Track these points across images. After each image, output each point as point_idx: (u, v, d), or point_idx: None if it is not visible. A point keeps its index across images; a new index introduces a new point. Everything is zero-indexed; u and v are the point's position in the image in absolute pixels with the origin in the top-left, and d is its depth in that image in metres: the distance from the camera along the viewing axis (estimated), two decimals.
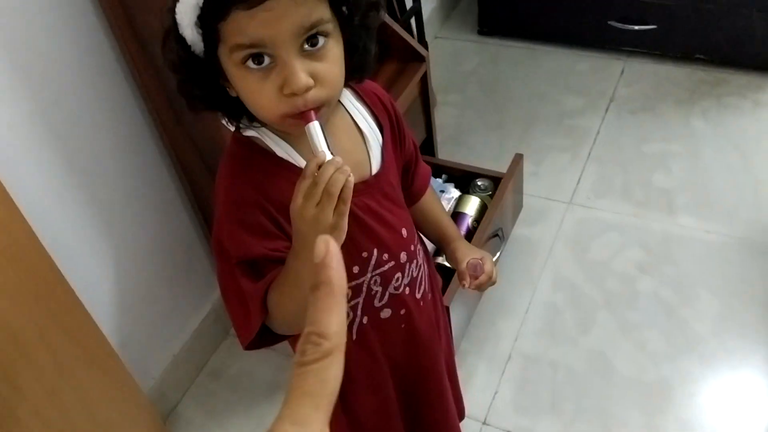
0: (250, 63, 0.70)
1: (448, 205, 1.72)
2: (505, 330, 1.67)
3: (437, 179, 1.80)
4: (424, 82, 1.71)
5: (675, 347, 1.58)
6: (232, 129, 0.81)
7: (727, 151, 2.01)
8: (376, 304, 0.90)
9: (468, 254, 1.02)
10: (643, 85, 2.26)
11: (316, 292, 0.36)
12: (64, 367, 1.15)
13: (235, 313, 0.80)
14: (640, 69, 2.32)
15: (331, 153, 0.68)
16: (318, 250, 0.36)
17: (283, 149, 0.79)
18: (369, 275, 0.86)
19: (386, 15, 1.57)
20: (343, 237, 0.68)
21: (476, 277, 1.01)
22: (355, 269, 0.84)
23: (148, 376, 1.54)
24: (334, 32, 0.72)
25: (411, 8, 1.88)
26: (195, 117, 0.84)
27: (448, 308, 1.41)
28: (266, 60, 0.69)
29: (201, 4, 0.68)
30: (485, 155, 2.06)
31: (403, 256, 0.89)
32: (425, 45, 1.86)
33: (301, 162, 0.79)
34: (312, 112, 0.70)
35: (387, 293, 0.90)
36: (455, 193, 1.76)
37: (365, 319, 0.90)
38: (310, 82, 0.70)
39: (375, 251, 0.85)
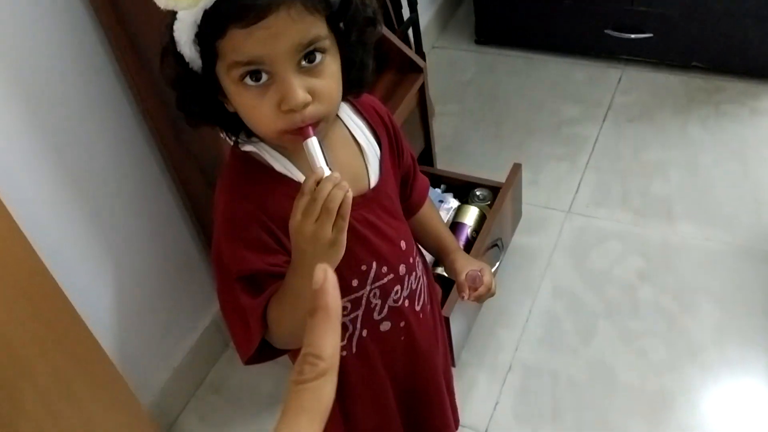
0: (247, 80, 0.70)
1: (447, 215, 1.72)
2: (506, 340, 1.67)
3: (436, 189, 1.80)
4: (422, 92, 1.72)
5: (676, 356, 1.58)
6: (231, 143, 0.81)
7: (725, 158, 2.01)
8: (376, 316, 0.90)
9: (467, 266, 1.02)
10: (641, 94, 2.27)
11: (314, 316, 0.39)
12: (64, 382, 1.14)
13: (235, 329, 0.80)
14: (637, 77, 2.33)
15: (330, 168, 0.68)
16: (316, 277, 0.39)
17: (281, 164, 0.79)
18: (368, 288, 0.86)
19: (383, 26, 1.57)
20: (342, 252, 0.69)
21: (475, 289, 1.01)
22: (354, 282, 0.84)
23: (148, 389, 1.53)
24: (331, 48, 0.73)
25: (408, 19, 1.88)
26: (193, 130, 0.84)
27: (447, 319, 1.41)
28: (264, 77, 0.70)
29: (199, 22, 0.68)
30: (484, 164, 2.06)
31: (402, 269, 0.89)
32: (423, 56, 1.87)
33: (299, 176, 0.79)
34: (310, 128, 0.70)
35: (386, 306, 0.90)
36: (454, 203, 1.76)
37: (365, 332, 0.90)
38: (308, 98, 0.70)
39: (374, 264, 0.85)
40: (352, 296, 0.85)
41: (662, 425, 1.47)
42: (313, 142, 0.70)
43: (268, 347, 0.81)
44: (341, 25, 0.74)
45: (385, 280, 0.87)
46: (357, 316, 0.88)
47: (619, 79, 2.33)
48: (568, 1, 2.29)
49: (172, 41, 0.71)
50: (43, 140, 1.20)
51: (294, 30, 0.68)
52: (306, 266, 0.70)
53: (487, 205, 1.73)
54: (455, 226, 1.68)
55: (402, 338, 0.95)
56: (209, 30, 0.68)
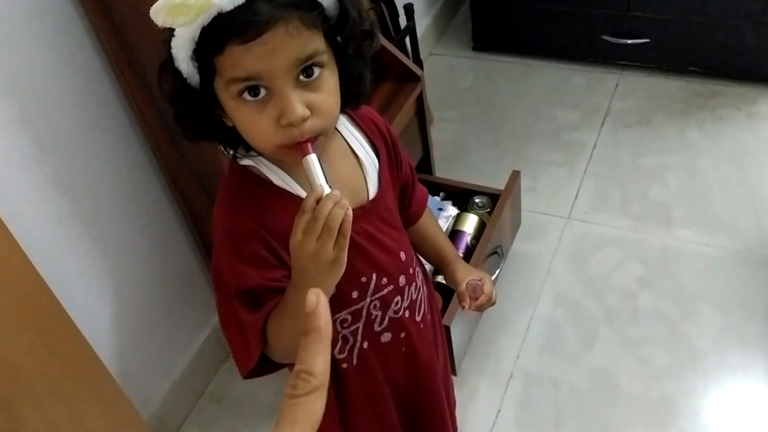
0: (246, 95, 0.70)
1: (446, 224, 1.72)
2: (507, 348, 1.66)
3: (435, 197, 1.80)
4: (420, 101, 1.72)
5: (677, 362, 1.58)
6: (229, 157, 0.81)
7: (723, 163, 2.01)
8: (376, 328, 0.90)
9: (467, 275, 1.02)
10: (638, 99, 2.27)
11: (307, 337, 0.43)
12: (64, 396, 1.14)
13: (235, 343, 0.80)
14: (635, 82, 2.33)
15: (329, 185, 0.68)
16: (309, 301, 0.43)
17: (280, 178, 0.79)
18: (368, 300, 0.86)
19: (380, 35, 1.57)
20: (343, 269, 0.69)
21: (476, 298, 1.01)
22: (354, 294, 0.84)
23: (148, 402, 1.53)
24: (329, 62, 0.73)
25: (405, 27, 1.88)
26: (192, 144, 0.84)
27: (448, 327, 1.41)
28: (262, 92, 0.70)
29: (197, 39, 0.68)
30: (482, 172, 2.06)
31: (402, 280, 0.89)
32: (420, 64, 1.87)
33: (298, 190, 0.79)
34: (309, 145, 0.70)
35: (387, 317, 0.90)
36: (453, 211, 1.76)
37: (366, 344, 0.90)
38: (307, 112, 0.70)
39: (374, 276, 0.85)
40: (353, 308, 0.85)
41: None
42: (312, 159, 0.69)
43: (267, 361, 0.81)
44: (339, 39, 0.74)
45: (385, 291, 0.87)
46: (358, 328, 0.88)
47: (617, 85, 2.33)
48: (565, 7, 2.30)
49: (169, 57, 0.71)
50: (41, 155, 1.19)
51: (292, 45, 0.68)
52: (307, 284, 0.70)
53: (487, 212, 1.73)
54: (455, 233, 1.68)
55: (403, 349, 0.95)
56: (207, 47, 0.68)
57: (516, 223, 1.84)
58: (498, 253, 1.68)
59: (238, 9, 0.65)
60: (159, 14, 0.66)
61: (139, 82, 1.26)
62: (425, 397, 1.04)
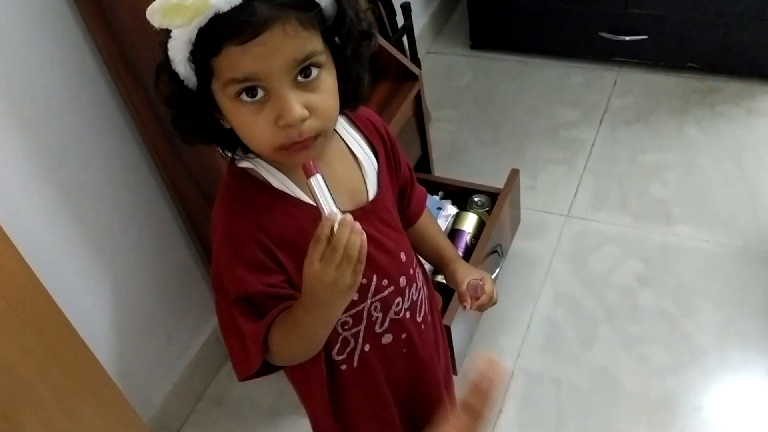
0: (243, 96, 0.69)
1: (445, 223, 1.72)
2: (507, 347, 1.66)
3: (434, 196, 1.79)
4: (418, 100, 1.71)
5: (678, 360, 1.57)
6: (227, 159, 0.81)
7: (722, 159, 2.01)
8: (377, 330, 0.89)
9: (468, 275, 1.02)
10: (637, 96, 2.27)
11: (470, 419, 0.37)
12: (63, 399, 1.13)
13: (233, 348, 0.80)
14: (633, 79, 2.33)
15: (338, 208, 0.66)
16: (491, 374, 0.37)
17: (278, 180, 0.79)
18: (369, 301, 0.85)
19: (378, 36, 1.57)
20: (355, 291, 0.69)
21: (477, 298, 1.01)
22: (355, 296, 0.83)
23: (148, 404, 1.52)
24: (327, 63, 0.72)
25: (403, 26, 1.88)
26: (189, 147, 0.83)
27: (448, 327, 1.40)
28: (260, 93, 0.69)
29: (193, 40, 0.67)
30: (481, 170, 2.06)
31: (403, 281, 0.88)
32: (418, 63, 1.86)
33: (297, 193, 0.79)
34: (313, 165, 0.67)
35: (388, 318, 0.89)
36: (452, 210, 1.75)
37: (367, 346, 0.89)
38: (305, 113, 0.70)
39: (374, 277, 0.84)
40: (353, 310, 0.85)
41: (666, 430, 1.47)
42: (318, 180, 0.67)
43: (265, 363, 0.80)
44: (336, 39, 0.74)
45: (386, 292, 0.86)
46: (359, 331, 0.87)
47: (615, 82, 2.33)
48: (562, 4, 2.29)
49: (166, 59, 0.70)
50: (38, 158, 1.19)
51: (289, 46, 0.67)
52: (322, 309, 0.70)
53: (486, 211, 1.73)
54: (454, 233, 1.68)
55: (404, 350, 0.94)
56: (204, 48, 0.67)
57: (515, 221, 1.84)
58: (498, 252, 1.68)
59: (235, 10, 0.65)
60: (155, 15, 0.65)
61: (136, 84, 1.25)
62: (427, 398, 1.04)
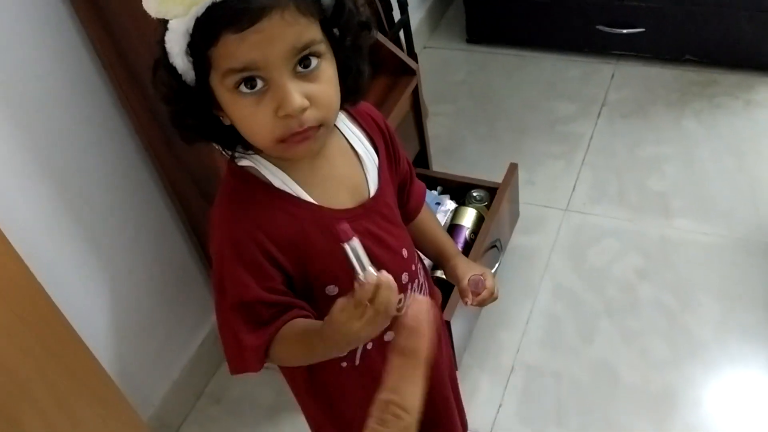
0: (242, 87, 0.69)
1: (444, 218, 1.71)
2: (507, 342, 1.66)
3: (432, 192, 1.79)
4: (416, 95, 1.71)
5: (678, 353, 1.57)
6: (227, 158, 0.80)
7: (720, 151, 2.01)
8: None
9: (468, 271, 1.01)
10: (634, 89, 2.26)
11: (404, 359, 0.35)
12: (63, 399, 1.13)
13: (229, 347, 0.80)
14: (631, 72, 2.32)
15: (374, 268, 0.64)
16: (416, 312, 0.35)
17: (279, 178, 0.78)
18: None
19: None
20: None
21: (478, 294, 1.00)
22: None
23: (147, 403, 1.52)
24: (326, 54, 0.72)
25: (399, 21, 1.87)
26: (187, 144, 0.82)
27: (448, 323, 1.40)
28: (259, 84, 0.68)
29: (191, 31, 0.66)
30: (479, 165, 2.05)
31: (405, 277, 0.88)
32: (415, 57, 1.85)
33: (297, 191, 0.78)
34: (349, 228, 0.63)
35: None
36: (451, 205, 1.75)
37: (369, 345, 0.89)
38: (305, 102, 0.69)
39: None
40: None
41: (667, 423, 1.46)
42: (354, 245, 0.64)
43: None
44: (335, 30, 0.73)
45: None
46: None
47: (613, 75, 2.32)
48: None
49: (164, 54, 0.70)
50: (35, 158, 1.18)
51: (288, 33, 0.66)
52: (342, 345, 0.70)
53: (485, 206, 1.72)
54: (453, 228, 1.67)
55: None
56: (202, 37, 0.66)
57: (514, 216, 1.83)
58: (497, 247, 1.68)
59: None
60: (152, 5, 0.65)
61: (132, 83, 1.24)
62: (430, 394, 1.03)
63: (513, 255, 1.82)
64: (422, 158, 1.87)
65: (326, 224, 0.79)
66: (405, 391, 0.35)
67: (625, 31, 2.26)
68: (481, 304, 1.03)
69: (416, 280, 0.91)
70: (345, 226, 0.63)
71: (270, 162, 0.78)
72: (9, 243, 1.01)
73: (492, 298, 1.03)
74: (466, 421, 1.24)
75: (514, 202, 1.80)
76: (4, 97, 1.11)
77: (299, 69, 0.69)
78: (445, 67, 2.49)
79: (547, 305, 1.72)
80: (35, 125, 1.17)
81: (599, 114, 2.20)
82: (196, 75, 0.70)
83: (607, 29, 2.27)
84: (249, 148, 0.77)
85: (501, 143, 2.16)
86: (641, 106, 2.19)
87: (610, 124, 2.16)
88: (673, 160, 2.01)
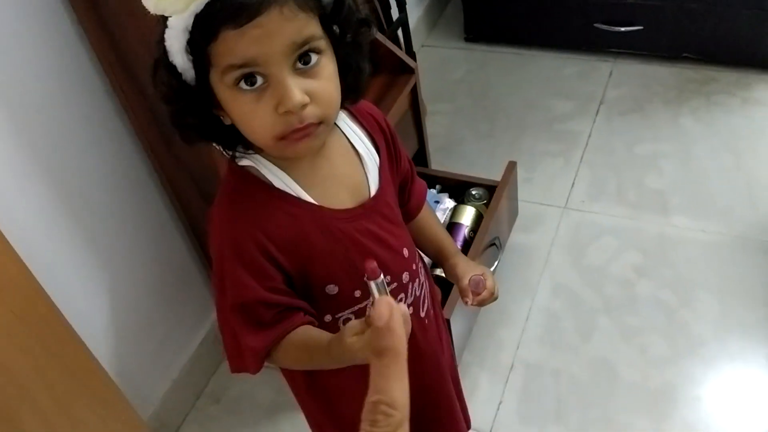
0: (242, 84, 0.68)
1: (443, 216, 1.71)
2: (506, 339, 1.66)
3: (431, 190, 1.79)
4: (414, 93, 1.71)
5: (677, 350, 1.58)
6: (228, 158, 0.80)
7: (718, 149, 2.01)
8: None
9: (468, 270, 1.01)
10: (632, 87, 2.26)
11: (383, 358, 0.36)
12: (63, 399, 1.13)
13: (229, 346, 0.80)
14: (628, 70, 2.32)
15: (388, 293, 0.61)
16: (380, 312, 0.36)
17: (279, 178, 0.78)
18: (371, 299, 0.85)
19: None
20: None
21: (478, 294, 1.00)
22: (357, 293, 0.83)
23: (147, 402, 1.52)
24: (326, 50, 0.71)
25: (398, 19, 1.87)
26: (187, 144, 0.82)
27: (448, 321, 1.40)
28: (259, 80, 0.68)
29: (190, 28, 0.66)
30: (478, 163, 2.05)
31: (405, 277, 0.88)
32: (413, 56, 1.85)
33: (298, 191, 0.78)
34: (376, 267, 0.61)
35: None
36: (450, 203, 1.75)
37: None
38: (305, 98, 0.69)
39: None
40: (356, 308, 0.84)
41: (666, 420, 1.47)
42: (379, 283, 0.61)
43: None
44: (335, 27, 0.73)
45: (388, 289, 0.86)
46: None
47: (610, 73, 2.32)
48: None
49: (163, 53, 0.70)
50: (34, 159, 1.18)
51: (287, 28, 0.66)
52: (344, 365, 0.70)
53: (483, 204, 1.72)
54: (452, 226, 1.67)
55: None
56: (201, 34, 0.66)
57: (513, 214, 1.83)
58: (496, 245, 1.68)
59: None
60: (150, 1, 0.64)
61: (130, 80, 1.24)
62: (433, 393, 1.03)
63: (512, 253, 1.82)
64: (421, 157, 1.87)
65: (326, 224, 0.79)
66: (390, 389, 0.36)
67: (623, 29, 2.26)
68: (481, 304, 1.02)
69: (417, 280, 0.91)
70: (372, 265, 0.62)
71: (270, 162, 0.78)
72: (8, 243, 1.00)
73: (492, 298, 1.02)
74: (469, 418, 1.24)
75: (513, 200, 1.80)
76: (2, 98, 1.11)
77: (299, 65, 0.69)
78: (444, 65, 2.49)
79: (546, 303, 1.72)
80: (34, 125, 1.17)
81: (597, 112, 2.20)
82: (195, 73, 0.70)
83: (605, 27, 2.28)
84: (249, 147, 0.77)
85: (499, 141, 2.16)
86: (639, 104, 2.20)
87: (608, 121, 2.16)
88: (671, 157, 2.01)
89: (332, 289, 0.82)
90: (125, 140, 1.35)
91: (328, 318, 0.84)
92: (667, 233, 1.82)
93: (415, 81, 1.68)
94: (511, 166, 1.74)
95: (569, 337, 1.64)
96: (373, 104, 0.92)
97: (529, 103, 2.27)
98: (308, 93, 0.69)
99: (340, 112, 0.82)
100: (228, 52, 0.66)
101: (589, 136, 2.12)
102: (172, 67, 0.70)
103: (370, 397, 0.35)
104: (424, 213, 1.03)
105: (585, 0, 2.26)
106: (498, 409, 1.54)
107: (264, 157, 0.78)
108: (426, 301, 0.95)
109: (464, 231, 1.66)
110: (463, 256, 1.06)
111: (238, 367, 0.80)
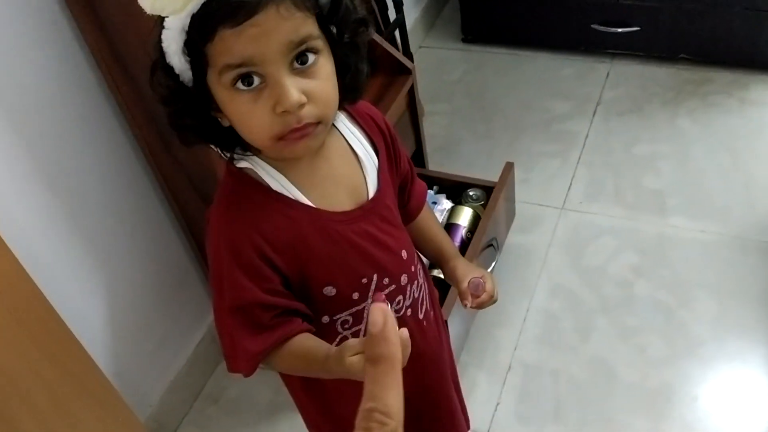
0: (239, 84, 0.68)
1: (440, 217, 1.71)
2: (504, 340, 1.66)
3: (429, 191, 1.79)
4: (412, 94, 1.71)
5: (675, 350, 1.58)
6: (226, 159, 0.80)
7: (715, 149, 2.01)
8: None
9: (468, 273, 1.00)
10: (629, 87, 2.27)
11: (377, 366, 0.36)
12: (60, 401, 1.12)
13: (226, 347, 0.80)
14: (625, 71, 2.33)
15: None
16: (375, 319, 0.36)
17: (277, 181, 0.78)
18: (370, 301, 0.85)
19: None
20: None
21: (477, 296, 1.00)
22: (355, 296, 0.83)
23: (145, 403, 1.51)
24: (324, 50, 0.71)
25: (395, 20, 1.87)
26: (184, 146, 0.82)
27: (445, 322, 1.40)
28: (256, 80, 0.68)
29: (187, 28, 0.66)
30: (475, 164, 2.05)
31: (404, 279, 0.88)
32: (410, 57, 1.86)
33: (295, 194, 0.78)
34: (385, 299, 0.61)
35: None
36: (447, 204, 1.75)
37: None
38: (303, 98, 0.69)
39: (375, 276, 0.83)
40: (353, 309, 0.84)
41: (664, 420, 1.47)
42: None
43: None
44: (332, 27, 0.73)
45: (387, 291, 0.85)
46: (359, 330, 0.86)
47: (608, 74, 2.33)
48: None
49: (161, 55, 0.69)
50: (31, 159, 1.18)
51: (284, 27, 0.66)
52: (340, 378, 0.70)
53: (481, 205, 1.72)
54: (449, 227, 1.67)
55: None
56: (198, 34, 0.66)
57: (510, 215, 1.83)
58: (493, 246, 1.68)
59: None
60: (146, 1, 0.64)
61: (127, 80, 1.24)
62: (433, 394, 1.03)
63: (509, 254, 1.82)
64: (418, 157, 1.87)
65: (324, 226, 0.79)
66: (385, 397, 0.35)
67: (620, 30, 2.26)
68: (481, 306, 1.02)
69: (416, 281, 0.91)
70: (381, 297, 0.62)
71: (268, 164, 0.78)
72: (5, 244, 1.00)
73: (491, 300, 1.02)
74: (468, 418, 1.24)
75: (511, 200, 1.80)
76: None
77: (296, 65, 0.69)
78: (441, 66, 2.49)
79: (544, 303, 1.72)
80: (31, 126, 1.17)
81: (594, 112, 2.20)
82: (193, 74, 0.70)
83: (602, 28, 2.28)
84: (247, 149, 0.77)
85: (497, 142, 2.16)
86: (636, 105, 2.20)
87: (606, 122, 2.16)
88: (668, 158, 2.01)
89: (330, 290, 0.82)
90: (122, 141, 1.34)
91: (325, 319, 0.84)
92: (666, 233, 1.82)
93: (412, 82, 1.69)
94: (509, 167, 1.74)
95: (567, 338, 1.64)
96: (373, 106, 0.92)
97: (527, 104, 2.27)
98: (306, 93, 0.69)
99: (339, 113, 0.81)
100: (225, 51, 0.66)
101: (587, 136, 2.13)
102: (169, 69, 0.70)
103: (365, 404, 0.35)
104: (424, 214, 1.02)
105: (582, 1, 2.27)
106: (496, 409, 1.54)
107: (262, 159, 0.78)
108: (425, 302, 0.95)
109: (461, 232, 1.66)
110: (462, 258, 1.05)
111: (233, 367, 0.81)
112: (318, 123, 0.72)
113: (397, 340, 0.35)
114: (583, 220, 1.89)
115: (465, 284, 0.99)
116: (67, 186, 1.25)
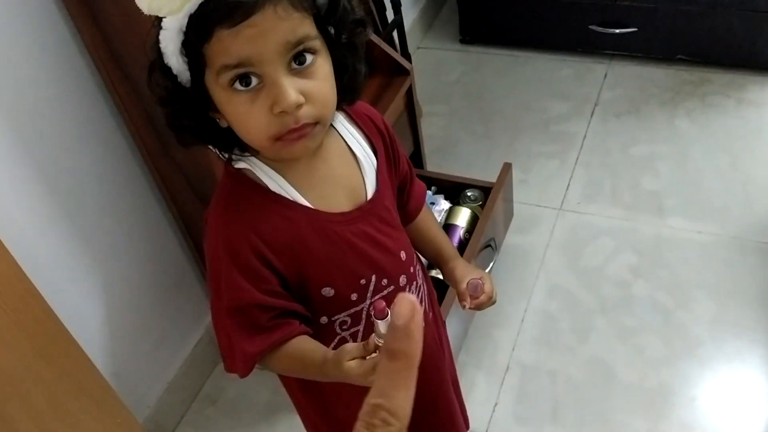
0: (237, 85, 0.68)
1: (438, 217, 1.71)
2: (502, 340, 1.66)
3: (427, 191, 1.79)
4: (410, 95, 1.71)
5: (673, 351, 1.58)
6: (224, 160, 0.80)
7: (713, 150, 2.01)
8: None
9: (467, 274, 1.00)
10: (627, 88, 2.27)
11: (393, 362, 0.33)
12: (58, 401, 1.12)
13: (224, 348, 0.80)
14: (623, 72, 2.33)
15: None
16: (401, 311, 0.33)
17: (275, 182, 0.78)
18: (368, 301, 0.85)
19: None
20: None
21: (476, 297, 0.99)
22: (354, 296, 0.83)
23: (143, 404, 1.51)
24: (321, 50, 0.71)
25: (393, 21, 1.87)
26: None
27: (444, 322, 1.40)
28: (254, 81, 0.68)
29: (184, 29, 0.66)
30: (473, 165, 2.05)
31: (403, 279, 0.88)
32: (409, 58, 1.85)
33: (293, 195, 0.78)
34: (386, 307, 0.62)
35: None
36: (445, 204, 1.75)
37: None
38: (300, 98, 0.69)
39: (373, 277, 0.83)
40: (352, 310, 0.84)
41: (662, 420, 1.47)
42: (388, 321, 0.61)
43: None
44: (330, 28, 0.73)
45: (386, 292, 0.85)
46: (358, 331, 0.86)
47: (605, 75, 2.33)
48: None
49: (159, 56, 0.69)
50: (28, 160, 1.17)
51: (282, 27, 0.66)
52: (336, 381, 0.70)
53: (479, 205, 1.72)
54: (447, 227, 1.67)
55: None
56: (196, 34, 0.66)
57: (508, 215, 1.83)
58: (491, 246, 1.68)
59: None
60: (144, 1, 0.64)
61: (125, 81, 1.24)
62: (432, 394, 1.03)
63: (507, 254, 1.82)
64: (416, 158, 1.87)
65: (322, 227, 0.79)
66: (395, 396, 0.33)
67: (617, 31, 2.26)
68: (479, 307, 1.02)
69: (414, 282, 0.91)
70: (382, 305, 0.62)
71: (266, 164, 0.78)
72: (2, 244, 1.00)
73: (490, 302, 1.02)
74: (467, 418, 1.24)
75: (509, 201, 1.80)
76: None
77: (294, 65, 0.69)
78: (439, 67, 2.49)
79: (542, 304, 1.72)
80: (28, 126, 1.17)
81: (592, 113, 2.20)
82: (191, 74, 0.70)
83: (600, 29, 2.28)
84: (245, 150, 0.77)
85: (495, 143, 2.16)
86: (634, 106, 2.20)
87: (604, 123, 2.16)
88: (666, 159, 2.01)
89: (328, 291, 0.82)
90: (120, 141, 1.34)
91: (324, 320, 0.84)
92: (663, 234, 1.82)
93: (410, 83, 1.69)
94: (507, 168, 1.74)
95: (565, 338, 1.64)
96: (372, 107, 0.92)
97: (525, 105, 2.28)
98: (303, 93, 0.69)
99: (337, 114, 0.81)
100: (223, 52, 0.66)
101: (585, 137, 2.13)
102: (167, 69, 0.70)
103: (372, 398, 0.33)
104: (423, 215, 1.02)
105: (580, 2, 2.27)
106: (494, 410, 1.54)
107: (260, 159, 0.78)
108: (424, 303, 0.95)
109: (459, 232, 1.66)
110: (461, 259, 1.05)
111: (230, 368, 0.81)
112: (316, 123, 0.72)
113: (420, 337, 0.33)
114: (581, 221, 1.89)
115: (464, 285, 0.99)
116: (64, 186, 1.25)
